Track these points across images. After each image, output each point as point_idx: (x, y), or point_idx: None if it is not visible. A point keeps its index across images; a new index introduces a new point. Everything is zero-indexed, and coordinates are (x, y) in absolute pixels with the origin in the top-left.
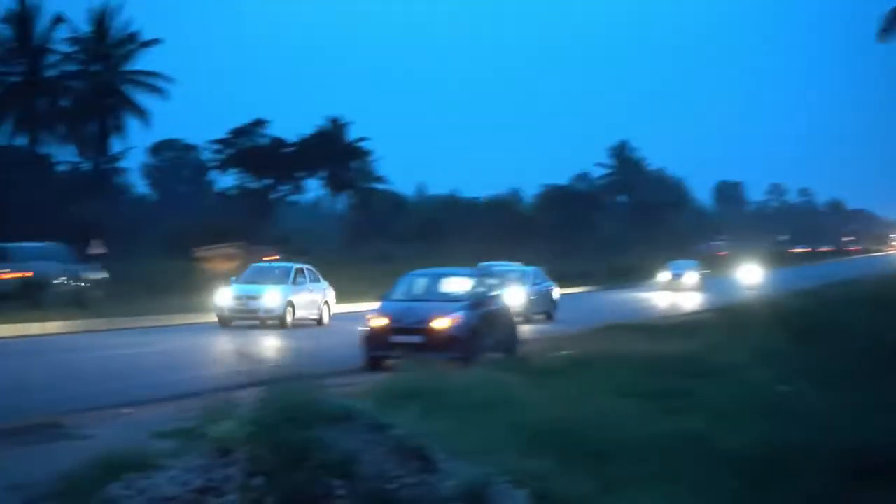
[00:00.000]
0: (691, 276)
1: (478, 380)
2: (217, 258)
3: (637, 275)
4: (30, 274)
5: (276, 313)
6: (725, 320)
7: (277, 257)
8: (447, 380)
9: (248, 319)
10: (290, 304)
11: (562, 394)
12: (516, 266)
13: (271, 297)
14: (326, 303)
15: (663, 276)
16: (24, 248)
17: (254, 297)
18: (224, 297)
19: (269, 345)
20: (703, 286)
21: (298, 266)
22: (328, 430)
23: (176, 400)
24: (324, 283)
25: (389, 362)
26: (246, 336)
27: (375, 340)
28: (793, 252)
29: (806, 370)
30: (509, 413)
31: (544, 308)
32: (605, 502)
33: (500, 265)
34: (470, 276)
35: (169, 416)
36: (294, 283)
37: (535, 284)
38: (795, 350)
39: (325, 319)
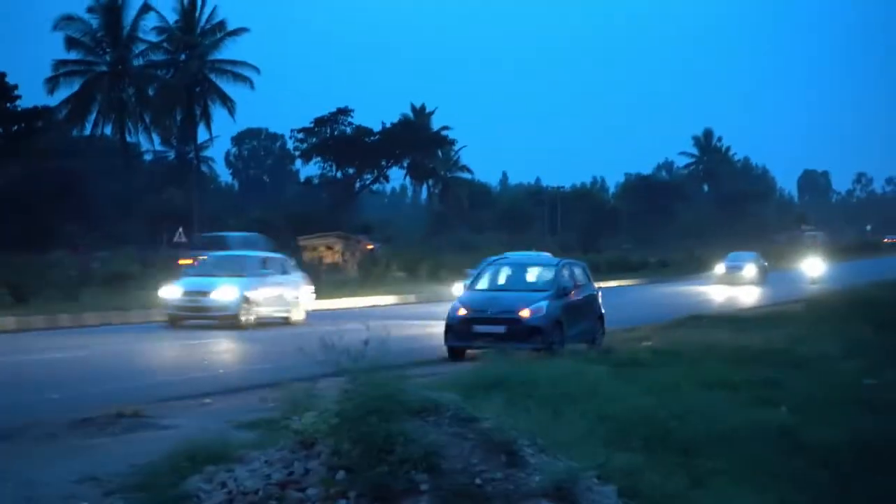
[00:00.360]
0: (750, 269)
1: (563, 371)
2: (319, 248)
3: (699, 266)
4: None
5: (230, 311)
6: (791, 314)
7: (372, 247)
8: (531, 371)
9: (198, 318)
10: (247, 299)
11: (647, 385)
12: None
13: (224, 291)
14: (298, 298)
15: (719, 268)
16: (236, 237)
17: (204, 293)
18: (172, 292)
19: (163, 355)
20: (763, 279)
21: (264, 255)
22: (413, 423)
23: None
24: (297, 276)
25: (471, 352)
26: (167, 339)
27: (458, 330)
28: (886, 242)
29: (892, 362)
30: (595, 405)
31: None
32: (695, 498)
33: (517, 255)
34: (553, 265)
35: (251, 406)
36: (256, 275)
37: None
38: (880, 341)
39: (298, 317)
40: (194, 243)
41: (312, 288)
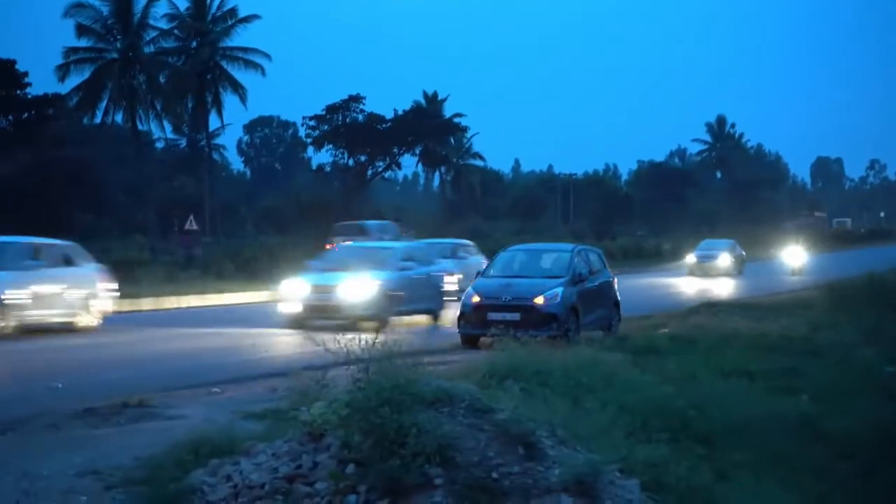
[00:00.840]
0: (724, 259)
1: (579, 359)
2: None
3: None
4: None
5: None
6: (808, 301)
7: (404, 233)
8: (547, 359)
9: None
10: (1, 301)
11: (666, 374)
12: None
13: None
14: (89, 298)
15: (690, 258)
16: (373, 225)
17: None
18: None
19: None
20: (739, 270)
21: (36, 242)
22: (426, 414)
23: None
24: (88, 269)
25: (487, 340)
26: None
27: (471, 318)
28: None
29: None
30: (614, 394)
31: None
32: (720, 492)
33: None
34: (568, 251)
35: (260, 395)
36: (20, 268)
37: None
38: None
39: (88, 323)
40: (334, 231)
41: (113, 285)
